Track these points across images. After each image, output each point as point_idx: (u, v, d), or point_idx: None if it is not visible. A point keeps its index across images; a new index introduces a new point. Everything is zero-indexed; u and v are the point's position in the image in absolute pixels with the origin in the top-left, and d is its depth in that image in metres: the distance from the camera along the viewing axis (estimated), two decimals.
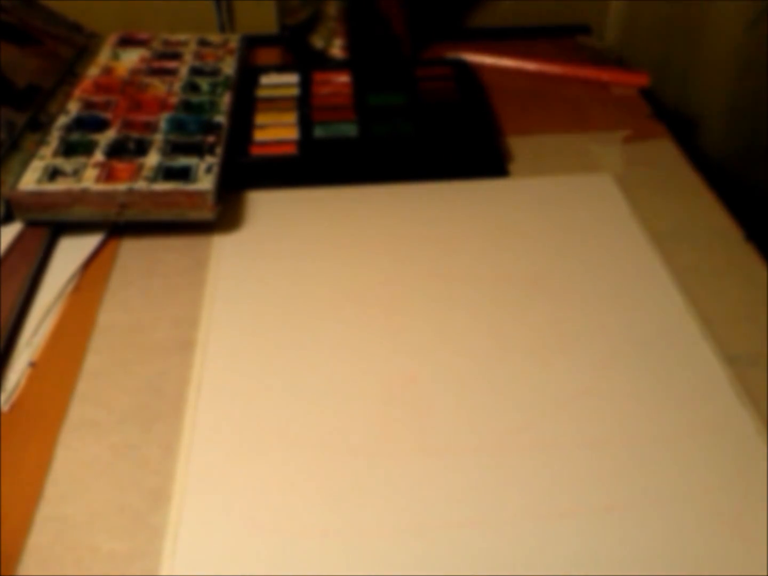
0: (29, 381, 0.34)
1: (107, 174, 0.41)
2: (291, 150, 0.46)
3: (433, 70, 0.55)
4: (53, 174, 0.42)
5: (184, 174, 0.42)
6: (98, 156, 0.43)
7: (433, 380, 0.34)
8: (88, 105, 0.48)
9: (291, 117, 0.49)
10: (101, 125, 0.46)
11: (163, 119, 0.46)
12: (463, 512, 0.28)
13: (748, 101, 0.54)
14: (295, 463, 0.30)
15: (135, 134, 0.45)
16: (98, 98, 0.49)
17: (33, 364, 0.35)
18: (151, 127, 0.46)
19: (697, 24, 0.56)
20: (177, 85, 0.50)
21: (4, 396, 0.33)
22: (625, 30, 0.65)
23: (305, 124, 0.48)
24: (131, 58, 0.54)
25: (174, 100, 0.49)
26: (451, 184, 0.46)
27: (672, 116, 0.56)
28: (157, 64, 0.53)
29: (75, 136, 0.45)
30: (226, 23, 0.65)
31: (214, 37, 0.57)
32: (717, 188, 0.45)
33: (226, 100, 0.49)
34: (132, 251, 0.41)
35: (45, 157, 0.43)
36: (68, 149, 0.44)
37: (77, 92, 0.49)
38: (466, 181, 0.46)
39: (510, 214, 0.43)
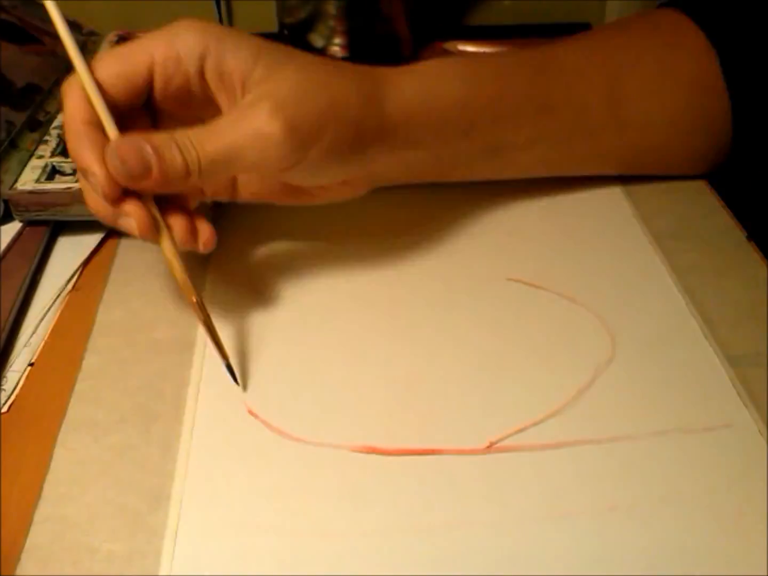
0: (28, 381, 0.34)
1: None
2: None
3: None
4: (52, 173, 0.42)
5: None
6: None
7: (434, 379, 0.33)
8: None
9: None
10: None
11: None
12: (464, 512, 0.28)
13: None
14: (295, 462, 0.30)
15: None
16: None
17: (32, 364, 0.35)
18: None
19: None
20: None
21: (3, 396, 0.33)
22: None
23: None
24: None
25: None
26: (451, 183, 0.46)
27: None
28: None
29: None
30: (226, 22, 0.65)
31: None
32: (717, 187, 0.45)
33: None
34: (131, 251, 0.41)
35: (44, 156, 0.43)
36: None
37: None
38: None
39: (510, 213, 0.43)
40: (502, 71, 0.37)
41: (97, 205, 0.31)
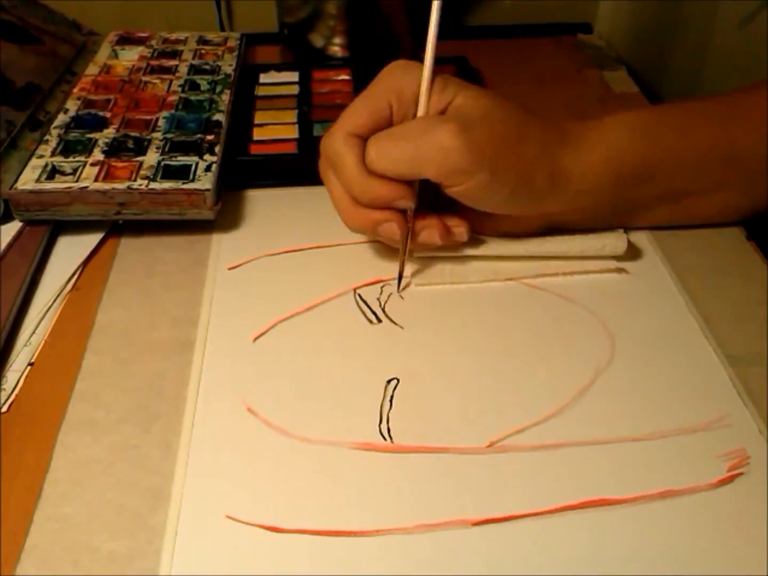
0: (28, 381, 0.34)
1: (106, 173, 0.41)
2: (290, 148, 0.46)
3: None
4: (52, 173, 0.42)
5: (183, 173, 0.41)
6: (97, 155, 0.43)
7: (434, 377, 0.33)
8: (86, 103, 0.48)
9: (290, 115, 0.49)
10: (100, 124, 0.46)
11: (162, 118, 0.46)
12: (464, 510, 0.28)
13: None
14: (295, 462, 0.30)
15: (134, 133, 0.45)
16: (97, 97, 0.48)
17: (32, 364, 0.35)
18: (150, 125, 0.46)
19: (693, 22, 0.56)
20: (176, 84, 0.50)
21: (3, 396, 0.33)
22: (625, 28, 0.65)
23: (305, 122, 0.48)
24: (130, 56, 0.53)
25: (173, 98, 0.48)
26: None
27: None
28: (156, 63, 0.53)
29: (74, 135, 0.45)
30: (226, 21, 0.65)
31: (214, 36, 0.57)
32: None
33: (225, 98, 0.49)
34: (131, 250, 0.41)
35: (44, 155, 0.43)
36: (67, 148, 0.44)
37: (76, 91, 0.49)
38: None
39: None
40: (684, 124, 0.37)
41: (356, 220, 0.36)
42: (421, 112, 0.35)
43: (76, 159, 0.42)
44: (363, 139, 0.34)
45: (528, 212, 0.37)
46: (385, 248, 0.40)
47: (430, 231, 0.36)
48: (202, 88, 0.50)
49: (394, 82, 0.35)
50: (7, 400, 0.33)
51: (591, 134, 0.36)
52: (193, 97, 0.49)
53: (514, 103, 0.35)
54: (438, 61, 0.56)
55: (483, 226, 0.38)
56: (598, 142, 0.36)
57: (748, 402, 0.32)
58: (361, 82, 0.52)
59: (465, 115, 0.34)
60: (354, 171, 0.34)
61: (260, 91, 0.52)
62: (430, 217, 0.36)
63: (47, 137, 0.44)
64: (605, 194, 0.37)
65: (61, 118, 0.46)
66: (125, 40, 0.56)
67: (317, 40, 0.58)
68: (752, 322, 0.36)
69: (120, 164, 0.42)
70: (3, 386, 0.33)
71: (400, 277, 0.38)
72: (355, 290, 0.38)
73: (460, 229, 0.36)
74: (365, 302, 0.37)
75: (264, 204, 0.44)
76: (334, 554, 0.27)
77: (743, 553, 0.27)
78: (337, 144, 0.35)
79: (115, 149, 0.43)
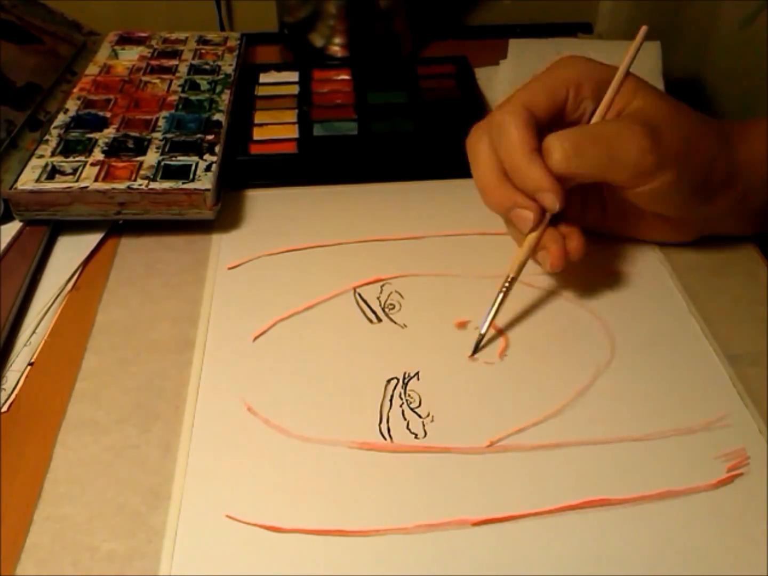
0: (28, 380, 0.34)
1: (106, 173, 0.41)
2: (290, 148, 0.46)
3: (433, 68, 0.55)
4: (52, 173, 0.42)
5: (183, 173, 0.42)
6: (97, 155, 0.43)
7: (434, 376, 0.33)
8: (87, 103, 0.48)
9: (290, 115, 0.49)
10: (100, 124, 0.46)
11: (162, 118, 0.46)
12: (463, 510, 0.28)
13: (747, 100, 0.54)
14: (295, 462, 0.30)
15: (134, 133, 0.45)
16: (97, 97, 0.48)
17: (32, 364, 0.35)
18: (150, 125, 0.46)
19: (693, 22, 0.56)
20: (176, 84, 0.50)
21: (3, 396, 0.33)
22: (625, 28, 0.65)
23: (305, 122, 0.48)
24: (130, 56, 0.54)
25: (173, 98, 0.48)
26: (452, 183, 0.46)
27: None
28: (156, 63, 0.53)
29: (74, 135, 0.45)
30: (226, 21, 0.65)
31: (214, 35, 0.57)
32: None
33: (225, 98, 0.49)
34: (131, 250, 0.41)
35: (44, 155, 0.43)
36: (67, 148, 0.44)
37: (76, 91, 0.49)
38: (466, 180, 0.46)
39: None
40: None
41: (497, 195, 0.35)
42: (603, 107, 0.35)
43: (76, 159, 0.42)
44: (534, 116, 0.34)
45: (696, 214, 0.37)
46: (384, 247, 0.40)
47: (543, 254, 0.35)
48: (202, 88, 0.50)
49: (574, 74, 0.35)
50: (7, 400, 0.33)
51: (754, 130, 0.36)
52: (193, 97, 0.49)
53: (686, 105, 0.36)
54: (438, 61, 0.57)
55: (640, 232, 0.39)
56: (760, 138, 0.36)
57: (748, 402, 0.32)
58: (361, 82, 0.53)
59: (649, 118, 0.34)
60: (517, 141, 0.33)
61: (260, 91, 0.52)
62: (554, 239, 0.35)
63: (47, 137, 0.44)
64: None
65: (61, 118, 0.46)
66: (125, 40, 0.56)
67: (317, 40, 0.58)
68: (752, 322, 0.36)
69: (120, 164, 0.42)
70: (3, 386, 0.33)
71: (513, 280, 0.35)
72: (355, 289, 0.38)
73: (577, 253, 0.35)
74: (365, 301, 0.37)
75: (264, 204, 0.44)
76: (334, 554, 0.27)
77: (743, 553, 0.27)
78: (508, 112, 0.34)
79: (115, 149, 0.43)
